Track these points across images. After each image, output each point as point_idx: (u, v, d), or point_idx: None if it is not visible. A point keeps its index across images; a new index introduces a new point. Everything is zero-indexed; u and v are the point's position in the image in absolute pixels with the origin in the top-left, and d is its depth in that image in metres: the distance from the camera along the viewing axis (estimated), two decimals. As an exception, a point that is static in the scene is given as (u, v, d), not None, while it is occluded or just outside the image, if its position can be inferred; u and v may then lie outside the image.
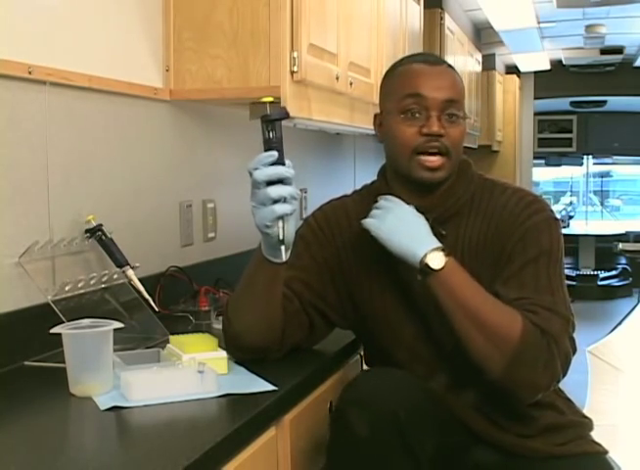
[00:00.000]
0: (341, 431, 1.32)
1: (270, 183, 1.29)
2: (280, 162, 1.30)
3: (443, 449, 1.41)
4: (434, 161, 1.45)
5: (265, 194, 1.29)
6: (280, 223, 1.31)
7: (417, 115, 1.46)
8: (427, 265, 1.37)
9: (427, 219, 1.48)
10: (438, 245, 1.39)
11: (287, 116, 1.33)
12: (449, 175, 1.49)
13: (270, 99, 1.32)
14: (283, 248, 1.34)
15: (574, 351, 1.42)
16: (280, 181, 1.30)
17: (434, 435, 1.36)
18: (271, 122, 1.31)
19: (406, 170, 1.48)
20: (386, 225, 1.41)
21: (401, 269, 1.49)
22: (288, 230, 1.32)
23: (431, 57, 1.57)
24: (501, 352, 1.35)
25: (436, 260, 1.37)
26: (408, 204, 1.47)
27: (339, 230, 1.57)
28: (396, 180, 1.53)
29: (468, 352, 1.38)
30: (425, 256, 1.37)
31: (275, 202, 1.29)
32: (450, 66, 1.55)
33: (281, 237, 1.31)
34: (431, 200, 1.50)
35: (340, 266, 1.55)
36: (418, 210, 1.48)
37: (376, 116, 1.57)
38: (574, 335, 1.44)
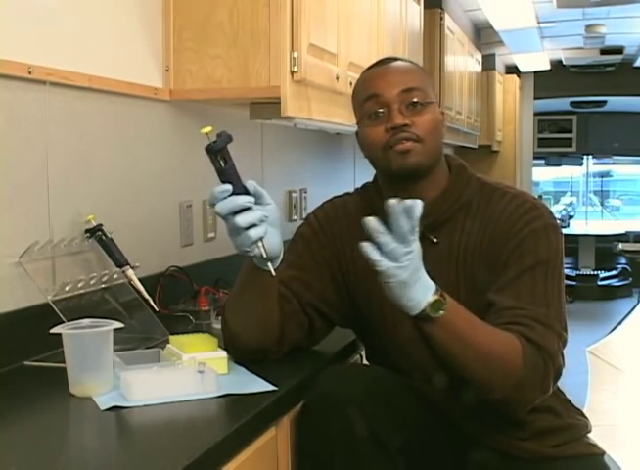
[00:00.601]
0: (306, 427, 1.33)
1: (236, 212, 1.28)
2: (237, 191, 1.28)
3: (435, 450, 1.41)
4: (404, 145, 1.43)
5: (234, 224, 1.28)
6: (259, 243, 1.30)
7: (380, 114, 1.46)
8: (427, 315, 1.27)
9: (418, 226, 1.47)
10: (435, 288, 1.28)
11: (230, 139, 1.31)
12: (428, 161, 1.46)
13: (209, 129, 1.30)
14: (270, 264, 1.33)
15: (563, 366, 1.39)
16: (245, 208, 1.28)
17: (405, 428, 1.36)
18: (219, 151, 1.29)
19: (385, 167, 1.47)
20: (406, 276, 1.24)
21: None
22: (269, 246, 1.31)
23: (385, 59, 1.56)
24: (504, 380, 1.32)
25: (436, 306, 1.27)
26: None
27: (339, 229, 1.57)
28: (387, 187, 1.52)
29: (469, 382, 1.35)
30: (425, 305, 1.27)
31: (247, 229, 1.28)
32: (405, 59, 1.56)
33: (265, 255, 1.31)
34: (423, 206, 1.48)
35: (339, 266, 1.55)
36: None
37: (356, 134, 1.55)
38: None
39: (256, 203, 1.31)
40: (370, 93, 1.47)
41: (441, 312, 1.26)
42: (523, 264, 1.40)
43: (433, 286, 1.28)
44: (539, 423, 1.47)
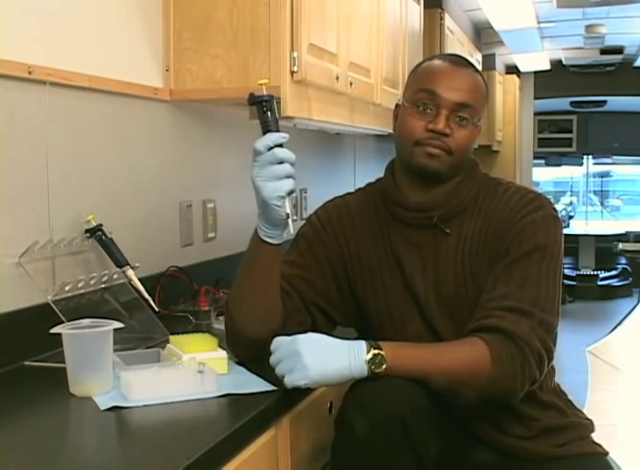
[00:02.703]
0: (345, 434, 1.31)
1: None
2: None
3: (446, 452, 1.41)
4: (435, 149, 1.46)
5: (279, 169, 1.34)
6: (286, 199, 1.35)
7: (428, 110, 1.47)
8: (375, 372, 1.29)
9: (431, 217, 1.49)
10: (365, 346, 1.30)
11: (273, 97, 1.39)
12: (449, 172, 1.49)
13: (266, 81, 1.39)
14: (290, 221, 1.37)
15: (549, 351, 1.39)
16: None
17: (437, 437, 1.35)
18: (268, 102, 1.36)
19: (408, 158, 1.49)
20: (312, 369, 1.28)
21: (405, 267, 1.50)
22: (290, 206, 1.37)
23: (459, 58, 1.56)
24: (475, 384, 1.35)
25: (377, 361, 1.29)
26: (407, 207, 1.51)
27: (341, 229, 1.57)
28: (403, 174, 1.54)
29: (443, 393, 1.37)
30: (368, 368, 1.29)
31: (283, 178, 1.35)
32: (477, 71, 1.55)
33: (288, 211, 1.35)
34: (436, 197, 1.50)
35: (342, 265, 1.56)
36: (422, 207, 1.50)
37: (396, 106, 1.58)
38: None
39: None
40: (430, 87, 1.47)
41: (384, 366, 1.29)
42: (521, 250, 1.43)
43: (360, 345, 1.30)
44: (545, 421, 1.48)
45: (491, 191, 1.52)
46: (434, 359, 1.35)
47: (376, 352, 1.29)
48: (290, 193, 1.36)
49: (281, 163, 1.35)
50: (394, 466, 1.28)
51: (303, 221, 1.64)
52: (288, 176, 1.35)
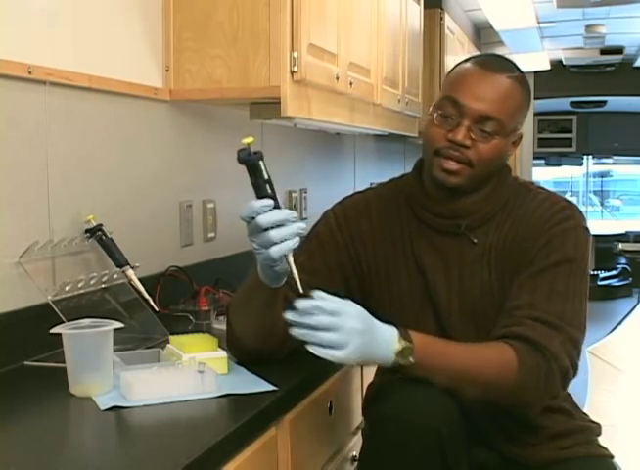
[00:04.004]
0: (379, 444, 1.29)
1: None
2: (276, 205, 1.26)
3: (469, 461, 1.39)
4: (451, 164, 1.41)
5: (268, 236, 1.24)
6: (289, 258, 1.26)
7: (450, 118, 1.41)
8: (400, 364, 1.26)
9: (459, 225, 1.45)
10: (398, 334, 1.26)
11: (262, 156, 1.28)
12: (471, 185, 1.43)
13: (251, 139, 1.26)
14: (296, 278, 1.26)
15: (575, 368, 1.36)
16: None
17: (467, 451, 1.35)
18: (257, 163, 1.26)
19: (429, 168, 1.46)
20: (356, 352, 1.20)
21: (427, 272, 1.47)
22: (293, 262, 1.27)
23: (495, 61, 1.47)
24: (498, 391, 1.32)
25: (405, 354, 1.25)
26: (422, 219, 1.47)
27: (358, 229, 1.53)
28: (429, 177, 1.48)
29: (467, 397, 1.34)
30: (395, 359, 1.25)
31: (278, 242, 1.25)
32: (515, 76, 1.44)
33: (293, 271, 1.26)
34: (464, 205, 1.46)
35: (355, 268, 1.52)
36: (450, 214, 1.46)
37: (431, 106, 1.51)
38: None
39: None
40: (454, 95, 1.42)
41: (411, 359, 1.25)
42: (548, 261, 1.39)
43: (394, 334, 1.25)
44: (553, 428, 1.46)
45: (521, 196, 1.47)
46: (460, 361, 1.31)
47: (405, 344, 1.24)
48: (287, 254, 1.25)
49: (273, 227, 1.24)
50: None
51: (303, 222, 1.63)
52: (283, 239, 1.24)
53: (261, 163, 1.27)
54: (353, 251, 1.52)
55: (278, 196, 1.28)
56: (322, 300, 1.20)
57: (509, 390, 1.31)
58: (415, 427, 1.26)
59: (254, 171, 1.27)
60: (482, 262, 1.45)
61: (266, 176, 1.27)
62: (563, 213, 1.43)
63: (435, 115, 1.44)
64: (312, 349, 1.19)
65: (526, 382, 1.31)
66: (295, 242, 1.25)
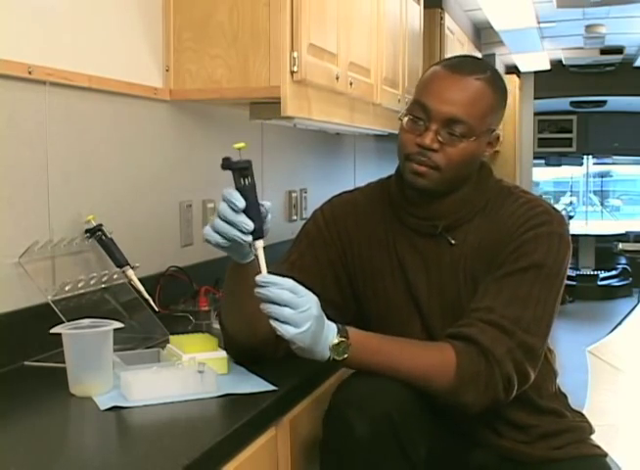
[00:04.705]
0: (336, 431, 1.31)
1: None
2: (250, 213, 1.26)
3: (437, 452, 1.40)
4: (419, 167, 1.41)
5: (213, 224, 1.26)
6: (256, 244, 1.27)
7: (419, 122, 1.42)
8: (334, 359, 1.28)
9: (436, 226, 1.46)
10: (337, 330, 1.28)
11: (250, 163, 1.28)
12: (440, 188, 1.44)
13: (242, 145, 1.26)
14: (261, 260, 1.26)
15: (524, 375, 1.34)
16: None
17: (426, 437, 1.34)
18: (243, 169, 1.26)
19: (402, 172, 1.48)
20: (306, 335, 1.23)
21: (408, 272, 1.49)
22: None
23: (465, 63, 1.47)
24: (438, 390, 1.32)
25: (340, 349, 1.28)
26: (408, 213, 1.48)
27: (345, 227, 1.54)
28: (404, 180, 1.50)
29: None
30: (329, 355, 1.27)
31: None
32: (486, 77, 1.44)
33: (259, 257, 1.27)
34: (442, 206, 1.46)
35: (344, 266, 1.54)
36: (427, 216, 1.47)
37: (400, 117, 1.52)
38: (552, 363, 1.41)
39: (261, 233, 1.27)
40: (422, 100, 1.42)
41: (345, 355, 1.27)
42: (515, 265, 1.38)
43: (334, 328, 1.28)
44: (544, 427, 1.47)
45: (500, 200, 1.47)
46: (397, 359, 1.32)
47: (342, 340, 1.27)
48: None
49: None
50: (383, 465, 1.28)
51: (304, 222, 1.64)
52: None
53: (243, 170, 1.27)
54: (341, 248, 1.54)
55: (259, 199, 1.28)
56: (283, 279, 1.23)
57: (444, 390, 1.32)
58: (365, 413, 1.27)
59: (245, 175, 1.27)
60: (460, 264, 1.45)
61: (254, 181, 1.27)
62: (538, 219, 1.42)
63: (406, 119, 1.44)
64: (272, 323, 1.22)
65: (463, 384, 1.31)
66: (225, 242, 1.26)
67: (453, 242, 1.46)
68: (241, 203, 1.24)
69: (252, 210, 1.26)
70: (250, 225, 1.25)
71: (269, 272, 1.25)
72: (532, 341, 1.35)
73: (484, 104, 1.43)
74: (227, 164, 1.26)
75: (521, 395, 1.38)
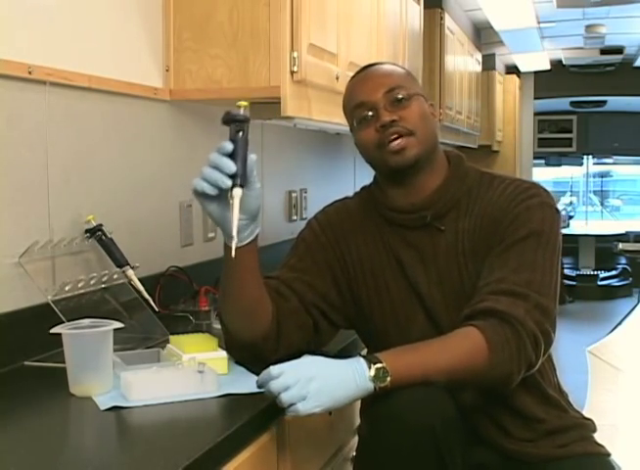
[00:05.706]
0: (374, 442, 1.30)
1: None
2: (236, 161, 1.27)
3: (467, 461, 1.39)
4: (398, 143, 1.46)
5: (201, 172, 1.29)
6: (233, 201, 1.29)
7: (369, 117, 1.49)
8: (381, 387, 1.27)
9: (424, 217, 1.49)
10: (365, 361, 1.28)
11: (248, 121, 1.31)
12: (425, 154, 1.48)
13: (245, 103, 1.30)
14: (233, 242, 1.28)
15: (547, 333, 1.37)
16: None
17: (463, 445, 1.34)
18: (239, 122, 1.29)
19: (383, 165, 1.50)
20: (319, 398, 1.24)
21: (406, 267, 1.50)
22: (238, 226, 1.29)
23: (366, 66, 1.59)
24: (480, 372, 1.33)
25: (380, 375, 1.27)
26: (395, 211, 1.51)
27: (342, 232, 1.57)
28: (385, 180, 1.55)
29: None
30: (374, 385, 1.26)
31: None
32: (386, 62, 1.60)
33: (234, 212, 1.28)
34: (425, 196, 1.51)
35: (343, 269, 1.55)
36: (413, 208, 1.50)
37: (355, 142, 1.57)
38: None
39: (244, 183, 1.29)
40: (356, 102, 1.51)
41: (388, 378, 1.27)
42: (515, 236, 1.43)
43: (360, 363, 1.27)
44: (549, 423, 1.47)
45: (486, 183, 1.52)
46: (432, 361, 1.33)
47: (378, 366, 1.27)
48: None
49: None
50: None
51: (304, 222, 1.64)
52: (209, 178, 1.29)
53: (239, 123, 1.30)
54: (339, 252, 1.56)
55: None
56: (268, 368, 1.25)
57: (485, 370, 1.33)
58: (409, 424, 1.26)
59: (242, 129, 1.30)
60: (457, 249, 1.48)
61: (248, 137, 1.30)
62: (528, 192, 1.47)
63: (355, 125, 1.51)
64: (287, 413, 1.25)
65: (499, 357, 1.32)
66: (212, 190, 1.29)
67: (442, 228, 1.49)
68: (228, 147, 1.27)
69: (239, 159, 1.28)
70: (232, 167, 1.26)
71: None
72: (546, 302, 1.38)
73: (402, 72, 1.57)
74: (227, 117, 1.29)
75: (526, 378, 1.39)
